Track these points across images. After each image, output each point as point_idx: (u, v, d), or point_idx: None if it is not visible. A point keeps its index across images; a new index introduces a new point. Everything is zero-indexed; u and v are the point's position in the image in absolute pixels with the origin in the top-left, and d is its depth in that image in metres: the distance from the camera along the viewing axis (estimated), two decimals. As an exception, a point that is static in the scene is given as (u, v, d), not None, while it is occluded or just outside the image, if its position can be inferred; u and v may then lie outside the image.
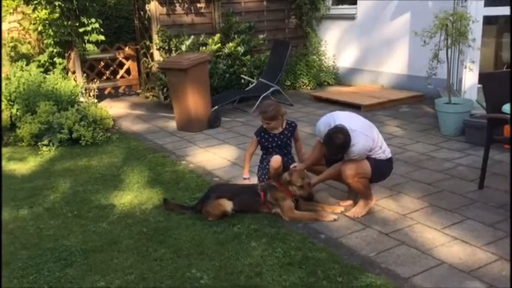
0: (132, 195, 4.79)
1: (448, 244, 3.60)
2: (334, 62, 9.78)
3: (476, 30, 6.03)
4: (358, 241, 3.72)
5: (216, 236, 3.89)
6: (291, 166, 4.35)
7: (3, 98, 6.90)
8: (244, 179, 4.61)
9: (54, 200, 4.77)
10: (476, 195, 4.39)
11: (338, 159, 4.12)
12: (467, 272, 3.24)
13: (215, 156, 5.90)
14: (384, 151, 4.09)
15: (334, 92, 8.91)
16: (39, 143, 6.34)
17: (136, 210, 4.47)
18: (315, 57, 9.74)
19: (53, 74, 7.75)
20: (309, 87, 9.46)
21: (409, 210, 4.18)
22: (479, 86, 6.53)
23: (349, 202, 4.33)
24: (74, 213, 4.47)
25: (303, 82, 9.52)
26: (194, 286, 3.27)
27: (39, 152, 6.20)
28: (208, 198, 4.22)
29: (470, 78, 6.35)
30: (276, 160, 4.39)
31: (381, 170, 4.12)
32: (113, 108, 8.35)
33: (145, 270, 3.48)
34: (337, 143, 3.91)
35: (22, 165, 5.79)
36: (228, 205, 4.15)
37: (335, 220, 4.06)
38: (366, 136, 3.98)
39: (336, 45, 9.76)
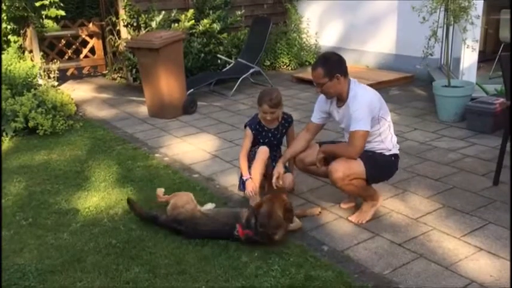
0: (99, 197, 4.13)
1: (473, 256, 3.09)
2: (316, 40, 9.15)
3: (479, 6, 5.49)
4: (367, 254, 3.17)
5: (199, 249, 3.28)
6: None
7: None
8: (246, 180, 3.78)
9: (6, 204, 4.05)
10: (492, 193, 3.89)
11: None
12: (503, 295, 2.74)
13: (193, 148, 5.26)
14: (391, 137, 3.52)
15: (317, 72, 8.30)
16: (-10, 134, 5.57)
17: (103, 216, 3.81)
18: (295, 35, 9.10)
19: (7, 53, 6.92)
20: (290, 68, 8.85)
21: (420, 213, 3.65)
22: (481, 64, 6.07)
23: (351, 204, 3.77)
24: (29, 220, 3.78)
25: (283, 62, 8.89)
26: (176, 318, 2.68)
27: (-9, 144, 5.44)
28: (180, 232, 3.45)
29: (469, 59, 5.85)
30: (263, 151, 3.77)
31: (381, 168, 3.48)
32: (76, 91, 7.57)
33: (116, 297, 2.87)
34: (327, 56, 3.44)
35: (-31, 160, 5.03)
36: None
37: (320, 213, 3.64)
38: (375, 94, 3.43)
39: (318, 23, 9.13)
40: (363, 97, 3.34)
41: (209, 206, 3.76)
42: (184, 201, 3.56)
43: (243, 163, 3.83)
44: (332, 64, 3.37)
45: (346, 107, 3.42)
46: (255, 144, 3.91)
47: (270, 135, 3.92)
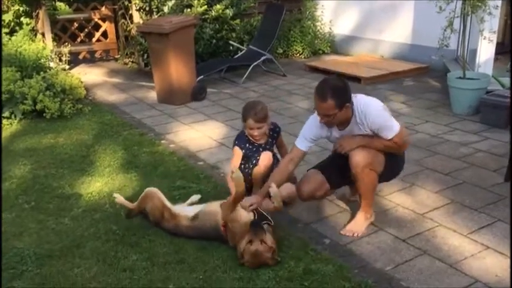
0: (102, 182, 4.11)
1: (479, 255, 2.99)
2: (330, 28, 9.00)
3: (498, -5, 5.33)
4: (370, 249, 3.10)
5: (199, 239, 3.23)
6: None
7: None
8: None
9: (9, 187, 4.06)
10: (503, 190, 3.76)
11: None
12: (508, 296, 2.65)
13: (200, 135, 5.20)
14: None
15: (331, 62, 8.16)
16: (-1, 115, 5.57)
17: (105, 202, 3.79)
18: (309, 22, 8.95)
19: (18, 35, 6.91)
20: (303, 56, 8.71)
21: (427, 208, 3.56)
22: (499, 56, 5.90)
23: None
24: (32, 204, 3.78)
25: (296, 50, 8.75)
26: (171, 308, 2.64)
27: (-1, 126, 5.44)
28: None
29: (486, 50, 5.68)
30: (267, 156, 3.61)
31: (394, 164, 3.34)
32: (88, 75, 7.56)
33: (112, 284, 2.84)
34: (334, 84, 3.08)
35: (-23, 142, 5.04)
36: None
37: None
38: (379, 102, 3.20)
39: (333, 10, 8.96)
40: (373, 106, 3.15)
41: (194, 199, 3.63)
42: (158, 215, 3.35)
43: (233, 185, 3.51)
44: (342, 94, 3.06)
45: (354, 125, 3.18)
46: (248, 160, 3.70)
47: (261, 149, 3.68)
